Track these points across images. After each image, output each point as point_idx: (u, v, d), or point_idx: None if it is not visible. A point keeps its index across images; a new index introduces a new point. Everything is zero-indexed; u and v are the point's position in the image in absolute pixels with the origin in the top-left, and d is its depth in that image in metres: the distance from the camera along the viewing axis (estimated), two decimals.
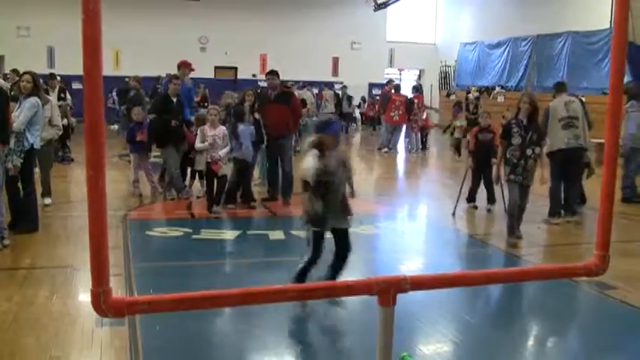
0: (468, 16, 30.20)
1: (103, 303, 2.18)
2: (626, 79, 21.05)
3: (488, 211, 10.51)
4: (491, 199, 10.58)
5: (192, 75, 12.86)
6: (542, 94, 21.05)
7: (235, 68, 28.99)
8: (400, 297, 2.56)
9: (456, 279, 3.00)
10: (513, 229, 8.43)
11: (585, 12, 22.26)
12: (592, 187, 9.63)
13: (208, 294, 2.41)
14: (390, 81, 22.63)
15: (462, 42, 30.39)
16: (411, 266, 7.71)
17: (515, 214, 8.41)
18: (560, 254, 8.36)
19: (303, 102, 19.84)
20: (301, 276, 5.68)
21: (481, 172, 10.58)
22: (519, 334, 5.73)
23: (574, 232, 9.37)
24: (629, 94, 13.11)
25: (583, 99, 11.21)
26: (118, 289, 5.87)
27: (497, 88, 26.87)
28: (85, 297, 5.91)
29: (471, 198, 10.75)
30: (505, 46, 27.57)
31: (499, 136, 8.80)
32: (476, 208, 10.68)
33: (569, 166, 9.73)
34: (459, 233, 9.55)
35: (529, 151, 8.24)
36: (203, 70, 25.16)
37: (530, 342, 5.68)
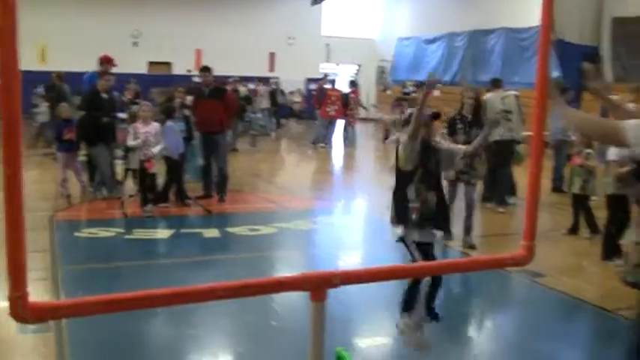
0: (405, 12, 30.41)
1: (20, 308, 2.09)
2: (556, 74, 21.64)
3: None
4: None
5: (124, 70, 12.60)
6: (477, 89, 21.41)
7: (169, 63, 28.59)
8: (339, 291, 2.54)
9: (387, 272, 2.99)
10: (470, 230, 8.22)
11: (518, 9, 22.65)
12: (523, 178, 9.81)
13: (136, 295, 2.34)
14: (325, 76, 22.64)
15: (399, 37, 30.61)
16: (349, 260, 7.73)
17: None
18: (494, 244, 8.50)
19: (248, 98, 19.71)
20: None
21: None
22: (455, 323, 5.78)
23: (506, 223, 9.56)
24: (558, 89, 13.39)
25: (517, 94, 11.44)
26: (44, 294, 5.69)
27: None
28: (3, 303, 5.69)
29: None
30: (441, 41, 27.89)
31: (445, 134, 8.62)
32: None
33: (501, 158, 9.97)
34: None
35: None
36: (136, 65, 24.76)
37: (466, 330, 5.75)
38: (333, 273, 2.71)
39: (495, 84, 11.06)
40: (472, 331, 5.84)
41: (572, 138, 11.21)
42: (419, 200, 4.77)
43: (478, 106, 8.32)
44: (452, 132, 8.10)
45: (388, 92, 29.44)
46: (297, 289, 2.69)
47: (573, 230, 8.75)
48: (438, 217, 4.86)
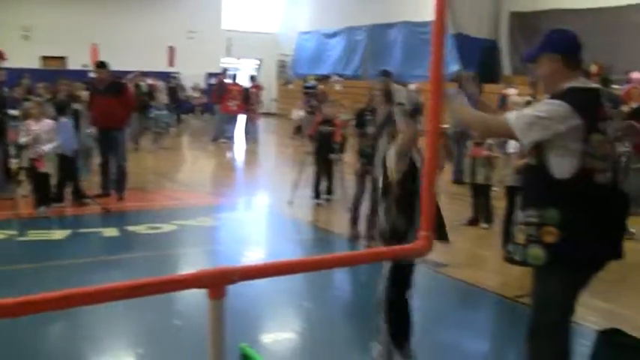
0: (305, 6, 30.48)
1: None
2: (456, 67, 22.17)
3: (327, 200, 10.45)
4: (330, 190, 10.45)
5: (15, 65, 12.09)
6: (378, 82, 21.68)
7: (64, 58, 27.68)
8: (240, 288, 2.50)
9: (286, 267, 2.96)
10: (356, 222, 8.24)
11: (418, 2, 23.06)
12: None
13: (24, 300, 2.23)
14: (225, 70, 22.45)
15: (300, 31, 30.67)
16: (252, 256, 7.68)
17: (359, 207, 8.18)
18: None
19: (150, 94, 19.23)
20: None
21: (321, 165, 10.23)
22: (359, 315, 5.83)
23: None
24: (458, 82, 13.70)
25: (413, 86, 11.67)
26: None
27: (335, 77, 27.35)
28: None
29: (316, 194, 10.38)
30: (342, 35, 28.11)
31: (354, 126, 8.45)
32: (319, 204, 10.37)
33: None
34: (298, 221, 9.59)
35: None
36: (28, 60, 23.84)
37: (370, 321, 5.79)
38: (231, 269, 2.65)
39: (385, 76, 11.33)
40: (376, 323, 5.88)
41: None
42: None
43: (388, 99, 8.28)
44: (361, 124, 8.00)
45: (290, 86, 29.48)
46: (194, 287, 2.62)
47: (473, 221, 8.94)
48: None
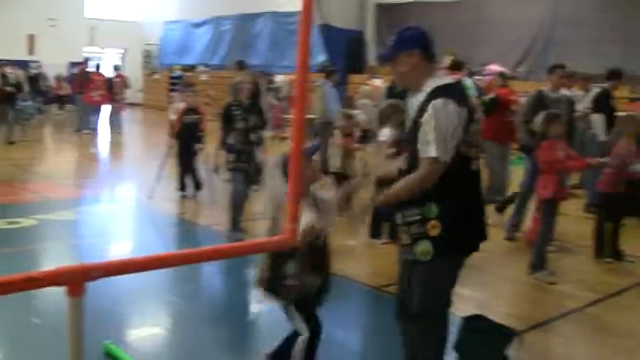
0: None
1: None
2: (322, 57, 22.43)
3: (194, 197, 10.16)
4: (197, 185, 10.15)
5: None
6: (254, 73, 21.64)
7: None
8: (104, 284, 2.42)
9: (150, 262, 2.90)
10: (237, 223, 7.76)
11: None
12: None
13: None
14: (87, 59, 21.71)
15: (166, 20, 30.07)
16: (117, 251, 7.47)
17: (239, 206, 7.74)
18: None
19: (18, 85, 18.22)
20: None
21: (185, 156, 9.91)
22: (228, 310, 5.81)
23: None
24: (325, 72, 13.97)
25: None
26: None
27: (201, 67, 27.04)
28: None
29: (181, 186, 10.08)
30: (208, 25, 27.80)
31: (221, 121, 7.81)
32: (185, 197, 10.10)
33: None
34: (164, 214, 9.40)
35: (253, 136, 7.58)
36: None
37: (236, 316, 5.77)
38: (91, 265, 2.58)
39: (240, 66, 11.57)
40: (245, 316, 5.87)
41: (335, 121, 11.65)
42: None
43: (256, 92, 7.91)
44: (229, 120, 7.60)
45: (156, 76, 28.90)
46: (52, 285, 2.53)
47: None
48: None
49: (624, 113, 9.38)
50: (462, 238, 3.53)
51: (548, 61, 14.77)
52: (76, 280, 2.48)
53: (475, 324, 4.26)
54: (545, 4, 17.95)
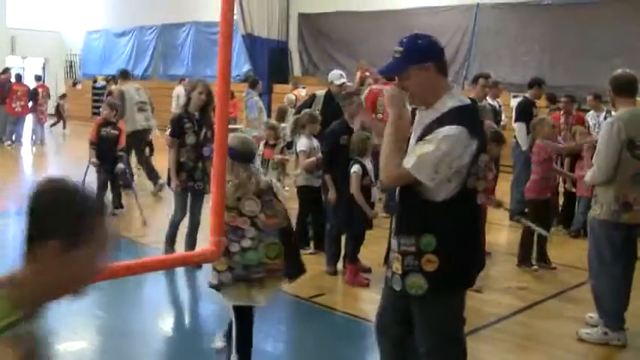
0: (93, 4, 29.30)
1: None
2: (247, 67, 22.37)
3: (114, 214, 9.27)
4: (117, 203, 9.50)
5: None
6: (168, 83, 21.39)
7: None
8: None
9: None
10: (173, 241, 7.12)
11: (207, 3, 23.00)
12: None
13: None
14: (7, 69, 21.08)
15: (88, 30, 29.49)
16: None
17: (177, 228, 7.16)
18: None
19: None
20: None
21: (108, 175, 9.16)
22: (153, 324, 5.69)
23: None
24: (248, 82, 13.97)
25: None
26: None
27: None
28: None
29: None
30: (131, 34, 27.40)
31: (168, 134, 7.05)
32: (115, 215, 9.28)
33: (139, 146, 11.27)
34: None
35: (206, 151, 6.75)
36: None
37: (161, 329, 5.66)
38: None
39: (124, 75, 11.68)
40: (172, 330, 5.76)
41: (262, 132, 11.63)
42: None
43: (208, 103, 6.94)
44: (179, 133, 6.82)
45: (78, 87, 28.27)
46: None
47: None
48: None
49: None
50: (462, 274, 3.29)
51: (470, 70, 15.07)
52: None
53: None
54: (467, 15, 18.29)
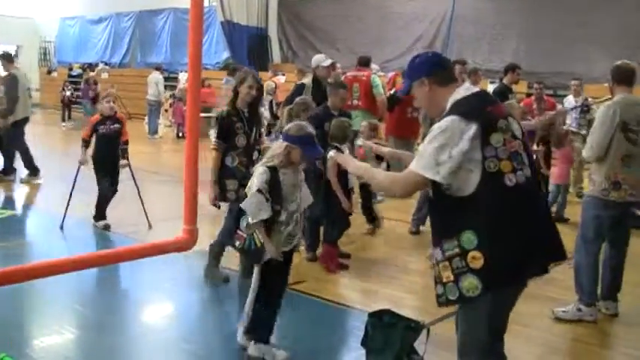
0: None
1: None
2: (226, 54, 22.29)
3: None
4: (99, 215, 8.14)
5: None
6: (146, 71, 21.26)
7: None
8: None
9: (39, 270, 2.75)
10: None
11: None
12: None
13: None
14: None
15: (63, 17, 29.19)
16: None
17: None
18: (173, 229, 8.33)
19: None
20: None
21: (108, 178, 8.03)
22: (133, 315, 5.65)
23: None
24: (228, 70, 13.91)
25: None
26: None
27: (101, 65, 26.38)
28: None
29: (100, 216, 8.14)
30: (107, 21, 27.18)
31: (215, 137, 5.93)
32: (107, 228, 8.10)
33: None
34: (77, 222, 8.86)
35: (255, 155, 5.95)
36: None
37: (138, 321, 5.62)
38: None
39: (9, 59, 11.61)
40: (151, 321, 5.73)
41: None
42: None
43: (258, 98, 6.19)
44: (227, 135, 5.87)
45: (54, 74, 28.02)
46: None
47: None
48: None
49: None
50: (513, 266, 3.13)
51: (449, 57, 15.08)
52: None
53: (380, 319, 4.28)
54: (445, 1, 18.34)
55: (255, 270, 4.50)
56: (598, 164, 5.47)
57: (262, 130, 6.45)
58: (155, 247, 3.05)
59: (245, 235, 4.35)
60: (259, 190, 4.18)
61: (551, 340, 5.23)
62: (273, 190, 4.25)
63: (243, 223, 4.33)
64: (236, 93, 5.94)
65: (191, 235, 2.84)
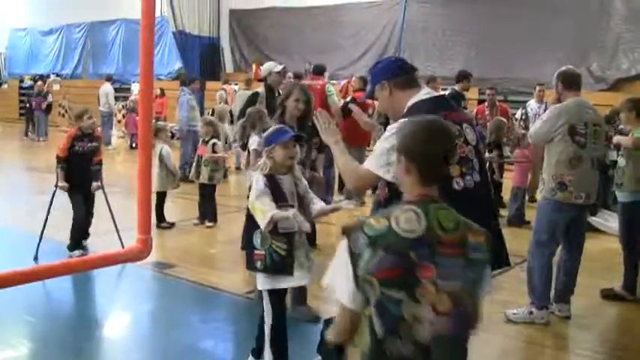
0: (18, 1, 28.53)
1: None
2: (178, 65, 22.21)
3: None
4: (74, 244, 7.39)
5: None
6: (98, 81, 21.05)
7: None
8: None
9: None
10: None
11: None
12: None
13: None
14: None
15: (13, 28, 28.73)
16: None
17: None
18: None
19: None
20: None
21: (82, 198, 7.33)
22: (86, 326, 5.59)
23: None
24: (180, 80, 13.87)
25: None
26: None
27: (53, 76, 26.02)
28: None
29: (82, 236, 7.56)
30: (59, 32, 26.84)
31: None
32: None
33: None
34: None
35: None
36: None
37: (93, 332, 5.57)
38: None
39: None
40: (107, 332, 5.68)
41: (198, 128, 11.55)
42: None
43: (308, 112, 5.60)
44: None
45: (4, 87, 27.56)
46: None
47: (202, 219, 8.89)
48: None
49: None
50: None
51: None
52: None
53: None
54: (396, 10, 18.50)
55: (266, 300, 4.22)
56: (546, 164, 5.58)
57: (217, 141, 6.39)
58: (106, 258, 3.04)
59: (263, 252, 4.08)
60: (261, 192, 4.02)
61: (505, 343, 5.30)
62: (276, 190, 4.10)
63: (256, 242, 4.09)
64: (283, 108, 5.61)
65: (144, 245, 2.84)
